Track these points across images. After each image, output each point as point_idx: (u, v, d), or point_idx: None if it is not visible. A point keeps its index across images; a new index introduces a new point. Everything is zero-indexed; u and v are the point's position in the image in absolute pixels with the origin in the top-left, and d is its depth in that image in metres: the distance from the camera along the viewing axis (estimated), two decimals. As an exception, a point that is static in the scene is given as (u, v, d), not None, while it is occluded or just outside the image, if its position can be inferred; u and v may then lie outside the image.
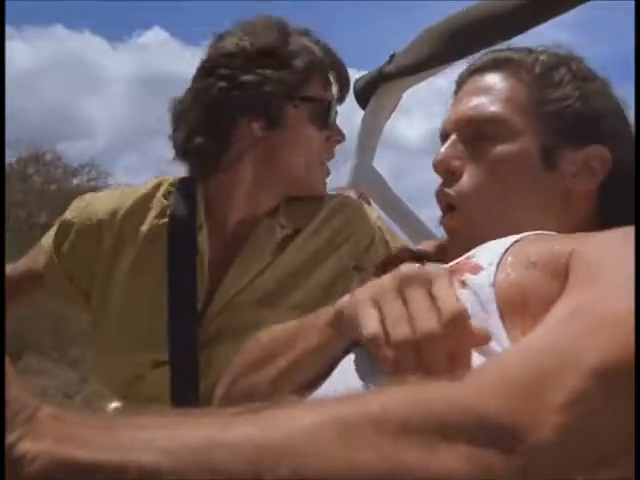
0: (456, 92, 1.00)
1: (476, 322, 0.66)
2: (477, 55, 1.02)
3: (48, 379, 8.59)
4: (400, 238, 1.47)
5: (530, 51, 0.96)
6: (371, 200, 1.74)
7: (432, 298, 0.65)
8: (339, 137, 1.36)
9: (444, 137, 0.97)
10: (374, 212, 1.46)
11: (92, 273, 1.34)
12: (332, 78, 1.34)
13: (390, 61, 1.90)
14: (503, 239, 0.79)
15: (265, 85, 1.26)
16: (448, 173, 0.93)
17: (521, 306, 0.69)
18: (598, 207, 0.92)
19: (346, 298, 0.75)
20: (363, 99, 2.01)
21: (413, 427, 0.48)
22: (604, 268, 0.67)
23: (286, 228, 1.33)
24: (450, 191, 0.92)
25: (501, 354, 0.63)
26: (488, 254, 0.77)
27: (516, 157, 0.90)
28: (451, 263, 0.80)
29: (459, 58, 1.78)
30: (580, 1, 1.62)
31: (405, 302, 0.66)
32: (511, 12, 1.66)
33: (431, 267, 0.71)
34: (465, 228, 0.90)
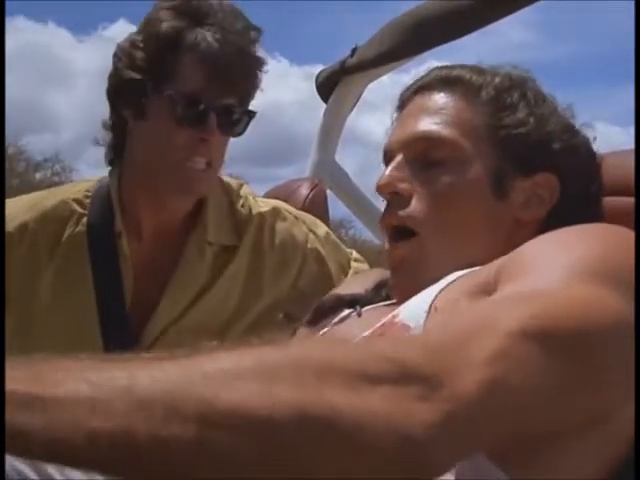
0: (400, 108, 0.96)
1: None
2: (429, 61, 0.99)
3: None
4: (343, 248, 1.41)
5: (481, 71, 0.93)
6: (328, 192, 1.73)
7: None
8: (204, 135, 1.21)
9: (388, 156, 0.93)
10: (308, 218, 1.40)
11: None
12: (210, 72, 1.19)
13: (352, 54, 1.89)
14: (426, 291, 0.79)
15: (131, 69, 1.20)
16: (394, 195, 0.89)
17: None
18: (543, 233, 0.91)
19: None
20: (325, 92, 1.99)
21: (334, 369, 0.49)
22: (531, 264, 0.69)
23: (214, 245, 1.29)
24: (403, 213, 0.88)
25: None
26: (414, 311, 0.76)
27: (466, 185, 0.87)
28: (377, 325, 0.79)
29: (421, 51, 1.79)
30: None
31: None
32: (473, 6, 1.65)
33: None
34: (419, 256, 0.87)
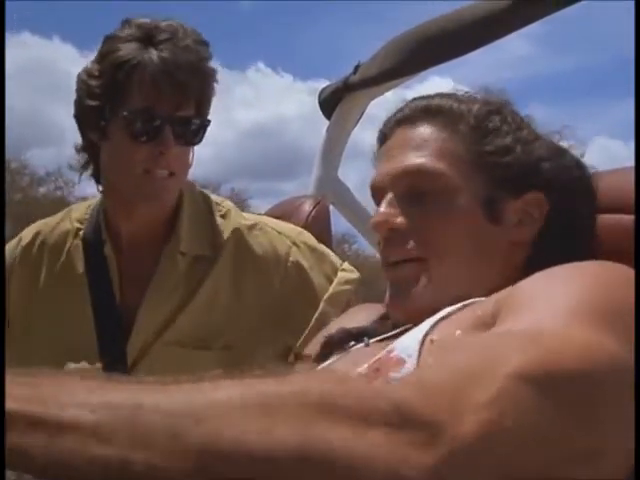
0: (382, 141, 0.97)
1: None
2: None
3: None
4: (330, 259, 1.43)
5: (460, 99, 0.94)
6: (331, 208, 1.73)
7: None
8: (161, 149, 1.27)
9: (378, 191, 0.94)
10: (293, 232, 1.42)
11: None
12: (161, 88, 1.26)
13: (355, 71, 1.89)
14: (419, 326, 0.79)
15: (89, 97, 1.28)
16: (392, 232, 0.90)
17: None
18: (535, 253, 0.90)
19: None
20: (328, 109, 2.00)
21: (335, 407, 0.49)
22: (531, 301, 0.69)
23: (187, 256, 1.34)
24: (404, 248, 0.88)
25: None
26: (407, 343, 0.76)
27: (459, 214, 0.88)
28: (373, 359, 0.79)
29: (424, 68, 1.79)
30: (543, 14, 1.63)
31: None
32: (475, 24, 1.66)
33: None
34: (421, 277, 0.87)
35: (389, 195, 0.91)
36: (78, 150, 1.36)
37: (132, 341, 1.31)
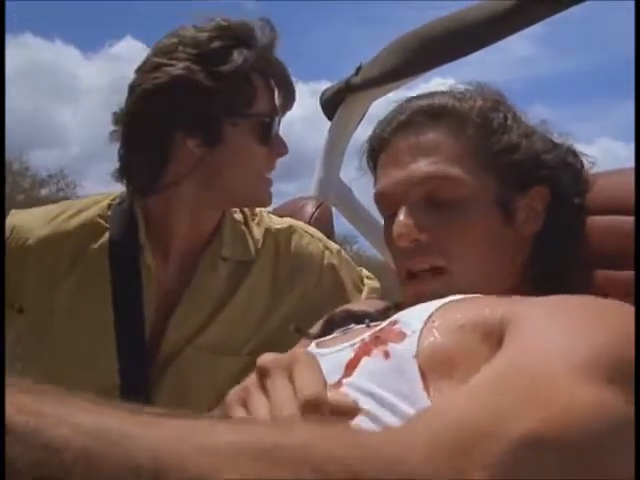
0: (381, 145, 0.95)
1: (398, 394, 0.68)
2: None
3: None
4: (355, 266, 1.43)
5: (461, 97, 0.92)
6: (334, 209, 1.73)
7: (293, 383, 0.65)
8: (281, 150, 1.29)
9: (386, 199, 0.92)
10: (323, 236, 1.42)
11: (22, 295, 1.28)
12: (275, 89, 1.27)
13: (357, 73, 1.89)
14: (426, 304, 0.78)
15: (201, 102, 1.18)
16: (414, 243, 0.89)
17: (448, 370, 0.69)
18: (538, 246, 0.91)
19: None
20: (330, 110, 2.00)
21: (334, 468, 0.47)
22: (537, 328, 0.67)
23: (229, 261, 1.30)
24: (430, 257, 0.88)
25: (429, 410, 0.62)
26: (412, 320, 0.76)
27: (478, 222, 0.88)
28: (376, 328, 0.79)
29: (425, 70, 1.80)
30: (548, 14, 1.63)
31: (267, 394, 0.66)
32: (477, 25, 1.66)
33: (294, 351, 0.74)
34: (447, 291, 0.85)
35: (406, 204, 0.90)
36: (152, 152, 1.24)
37: (162, 345, 1.26)
